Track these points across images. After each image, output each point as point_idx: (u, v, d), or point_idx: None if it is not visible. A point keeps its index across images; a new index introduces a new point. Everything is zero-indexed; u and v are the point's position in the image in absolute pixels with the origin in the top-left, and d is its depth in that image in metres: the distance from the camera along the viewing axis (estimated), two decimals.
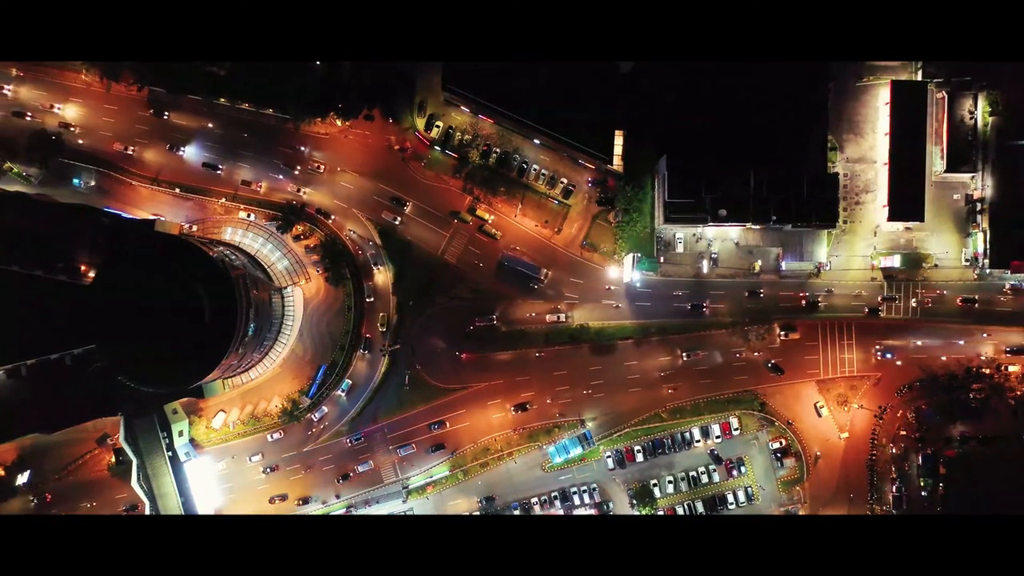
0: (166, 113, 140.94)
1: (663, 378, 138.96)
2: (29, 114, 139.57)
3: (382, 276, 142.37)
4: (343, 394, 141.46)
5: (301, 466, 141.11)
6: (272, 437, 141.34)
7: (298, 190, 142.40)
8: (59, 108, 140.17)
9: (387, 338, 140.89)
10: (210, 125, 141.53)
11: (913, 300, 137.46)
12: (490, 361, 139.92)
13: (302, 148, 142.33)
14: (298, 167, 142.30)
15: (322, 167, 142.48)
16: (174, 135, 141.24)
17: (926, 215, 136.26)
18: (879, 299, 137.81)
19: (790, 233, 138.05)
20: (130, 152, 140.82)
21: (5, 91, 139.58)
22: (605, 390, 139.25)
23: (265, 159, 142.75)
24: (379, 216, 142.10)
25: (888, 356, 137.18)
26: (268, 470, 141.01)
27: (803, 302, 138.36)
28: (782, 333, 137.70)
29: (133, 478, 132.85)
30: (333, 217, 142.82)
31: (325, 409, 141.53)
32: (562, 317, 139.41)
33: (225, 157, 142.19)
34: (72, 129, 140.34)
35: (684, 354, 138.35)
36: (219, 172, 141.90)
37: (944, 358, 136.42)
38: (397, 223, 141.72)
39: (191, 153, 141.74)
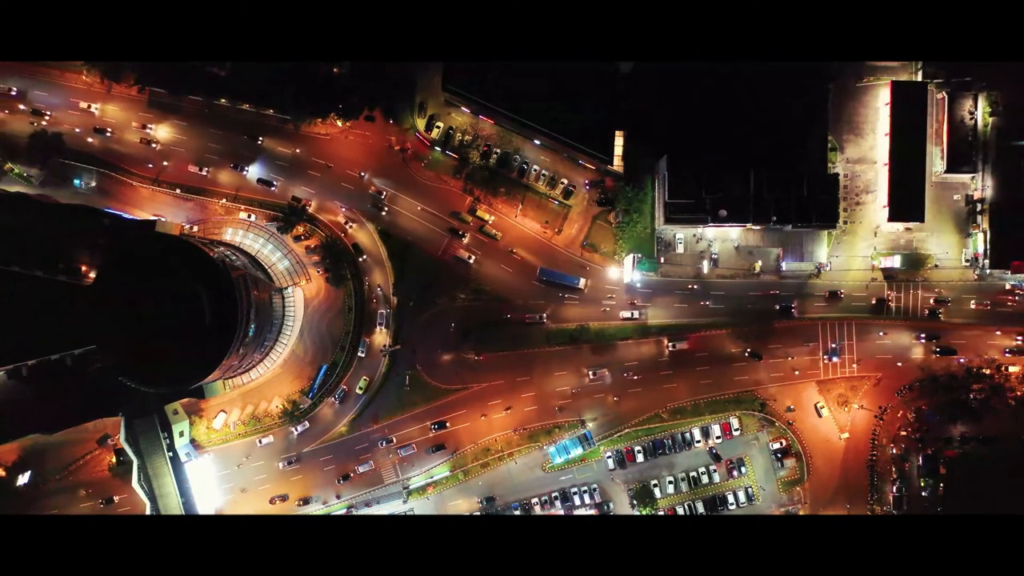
0: (260, 139, 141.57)
1: (575, 394, 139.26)
2: (110, 130, 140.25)
3: (381, 337, 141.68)
4: (295, 431, 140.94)
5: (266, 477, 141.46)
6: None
7: (346, 223, 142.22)
8: (151, 128, 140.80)
9: (363, 398, 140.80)
10: (297, 151, 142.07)
11: (972, 303, 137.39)
12: (486, 361, 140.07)
13: (362, 174, 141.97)
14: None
15: (384, 194, 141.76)
16: (243, 154, 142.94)
17: (926, 215, 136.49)
18: (932, 301, 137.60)
19: (790, 233, 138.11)
20: (204, 173, 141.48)
21: (92, 109, 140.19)
22: (605, 390, 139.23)
23: (324, 184, 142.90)
24: (451, 254, 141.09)
25: (835, 359, 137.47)
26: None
27: (873, 300, 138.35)
28: (670, 345, 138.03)
29: (134, 478, 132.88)
30: (364, 257, 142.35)
31: (272, 438, 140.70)
32: (636, 314, 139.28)
33: (282, 176, 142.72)
34: (154, 146, 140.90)
35: (590, 372, 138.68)
36: (273, 188, 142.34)
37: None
38: (471, 262, 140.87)
39: (254, 172, 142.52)
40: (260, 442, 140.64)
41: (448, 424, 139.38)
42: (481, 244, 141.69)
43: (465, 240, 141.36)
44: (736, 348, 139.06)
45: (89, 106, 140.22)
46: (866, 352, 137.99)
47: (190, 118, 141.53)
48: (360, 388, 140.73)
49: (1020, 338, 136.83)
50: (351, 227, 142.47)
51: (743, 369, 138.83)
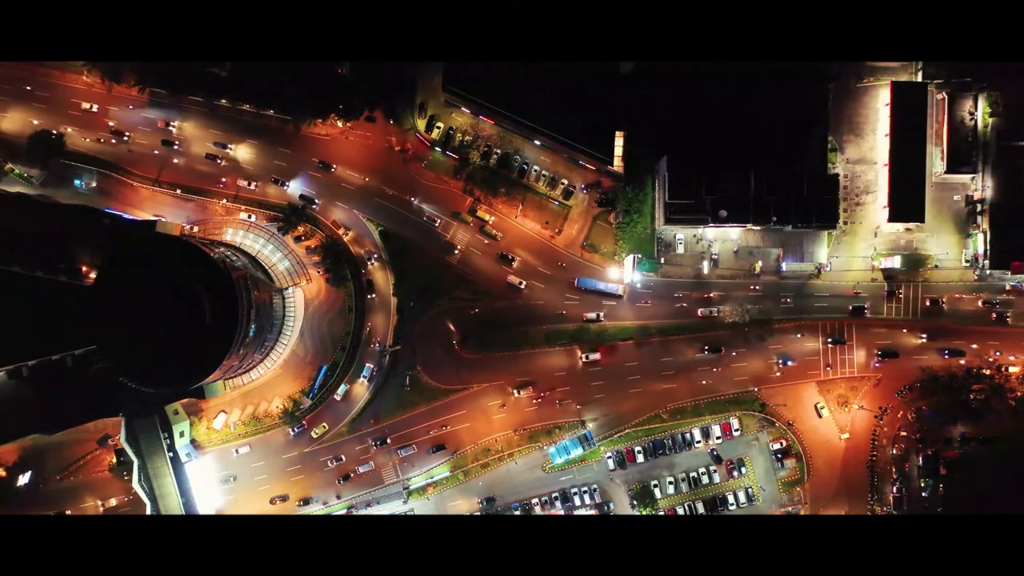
0: (333, 166, 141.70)
1: (504, 409, 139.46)
2: (176, 143, 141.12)
3: (362, 388, 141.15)
4: (236, 453, 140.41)
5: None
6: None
7: (368, 258, 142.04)
8: (231, 148, 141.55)
9: (315, 443, 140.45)
10: (366, 179, 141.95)
11: None
12: (489, 361, 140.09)
13: (411, 199, 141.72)
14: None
15: (438, 221, 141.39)
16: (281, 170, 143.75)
17: (926, 216, 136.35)
18: (980, 303, 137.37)
19: (790, 234, 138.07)
20: (253, 187, 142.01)
21: (171, 127, 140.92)
22: (606, 391, 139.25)
23: (367, 207, 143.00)
24: (503, 284, 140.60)
25: (790, 363, 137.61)
26: None
27: (927, 303, 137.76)
28: (583, 356, 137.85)
29: (134, 479, 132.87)
30: (373, 295, 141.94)
31: (199, 455, 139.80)
32: (715, 311, 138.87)
33: (323, 196, 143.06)
34: (219, 162, 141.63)
35: (516, 391, 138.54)
36: (314, 206, 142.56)
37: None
38: (522, 287, 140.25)
39: (294, 187, 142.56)
40: (197, 457, 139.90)
41: (389, 441, 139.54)
42: (480, 244, 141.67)
43: (515, 264, 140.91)
44: (692, 350, 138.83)
45: (167, 124, 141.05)
46: (865, 353, 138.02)
47: (264, 138, 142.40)
48: (315, 434, 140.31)
49: (924, 336, 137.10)
50: (372, 263, 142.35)
51: (743, 370, 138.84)
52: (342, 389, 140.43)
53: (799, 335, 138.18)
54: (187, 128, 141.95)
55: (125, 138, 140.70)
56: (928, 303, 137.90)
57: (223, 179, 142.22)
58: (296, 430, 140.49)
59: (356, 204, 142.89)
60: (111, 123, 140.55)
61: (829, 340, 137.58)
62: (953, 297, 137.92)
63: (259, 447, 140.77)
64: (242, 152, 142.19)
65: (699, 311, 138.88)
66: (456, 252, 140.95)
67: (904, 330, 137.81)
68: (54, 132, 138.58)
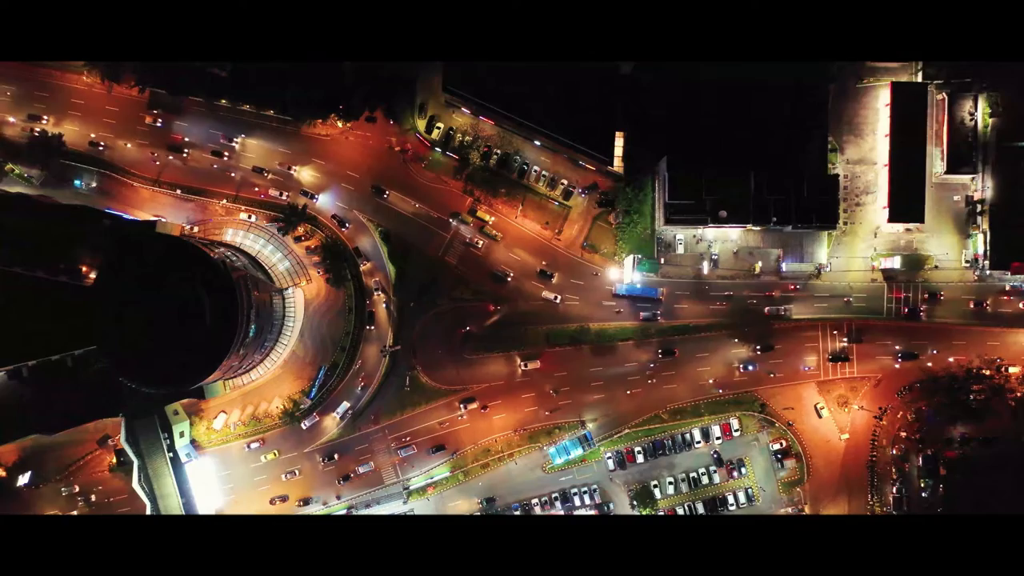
0: (386, 192, 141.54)
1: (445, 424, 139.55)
2: (226, 154, 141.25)
3: (332, 422, 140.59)
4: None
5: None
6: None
7: (376, 289, 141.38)
8: (295, 170, 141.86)
9: (270, 464, 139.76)
10: (417, 205, 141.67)
11: None
12: (489, 361, 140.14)
13: (450, 220, 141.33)
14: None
15: (480, 242, 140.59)
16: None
17: (926, 216, 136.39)
18: (1021, 304, 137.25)
19: (790, 234, 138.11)
20: (284, 198, 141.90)
21: (234, 143, 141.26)
22: (605, 391, 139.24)
23: (367, 207, 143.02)
24: (539, 297, 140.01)
25: (751, 368, 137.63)
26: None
27: (971, 304, 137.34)
28: (523, 364, 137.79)
29: (134, 479, 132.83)
30: (371, 327, 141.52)
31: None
32: (782, 311, 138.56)
33: (352, 218, 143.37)
34: (266, 174, 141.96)
35: (462, 406, 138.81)
36: (345, 229, 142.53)
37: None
38: (558, 302, 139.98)
39: (323, 201, 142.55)
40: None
41: (336, 456, 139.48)
42: (480, 244, 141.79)
43: (553, 280, 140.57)
44: (646, 355, 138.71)
45: (232, 139, 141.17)
46: (865, 353, 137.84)
47: (327, 161, 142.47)
48: (265, 458, 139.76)
49: (845, 340, 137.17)
50: (378, 295, 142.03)
51: (742, 370, 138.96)
52: (310, 421, 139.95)
53: (735, 340, 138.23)
54: (250, 144, 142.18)
55: (185, 153, 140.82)
56: (972, 305, 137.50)
57: (256, 186, 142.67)
58: (251, 447, 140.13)
59: (356, 204, 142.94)
60: (185, 138, 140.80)
61: (757, 348, 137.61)
62: (998, 299, 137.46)
63: (217, 458, 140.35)
64: (306, 174, 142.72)
65: (766, 309, 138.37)
66: (509, 279, 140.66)
67: (834, 332, 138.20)
68: (70, 137, 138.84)
